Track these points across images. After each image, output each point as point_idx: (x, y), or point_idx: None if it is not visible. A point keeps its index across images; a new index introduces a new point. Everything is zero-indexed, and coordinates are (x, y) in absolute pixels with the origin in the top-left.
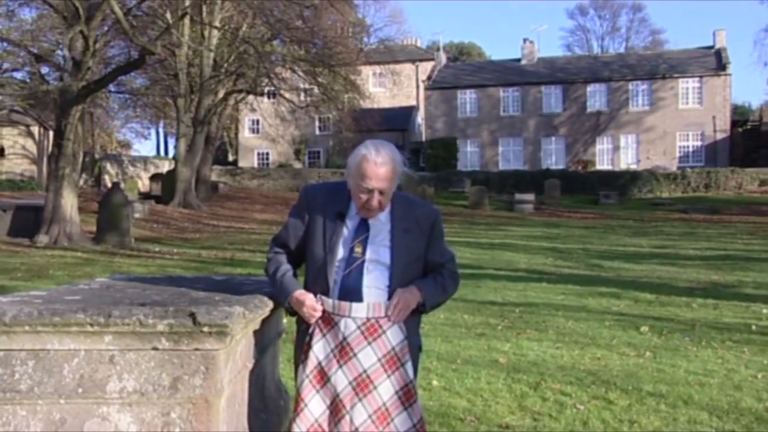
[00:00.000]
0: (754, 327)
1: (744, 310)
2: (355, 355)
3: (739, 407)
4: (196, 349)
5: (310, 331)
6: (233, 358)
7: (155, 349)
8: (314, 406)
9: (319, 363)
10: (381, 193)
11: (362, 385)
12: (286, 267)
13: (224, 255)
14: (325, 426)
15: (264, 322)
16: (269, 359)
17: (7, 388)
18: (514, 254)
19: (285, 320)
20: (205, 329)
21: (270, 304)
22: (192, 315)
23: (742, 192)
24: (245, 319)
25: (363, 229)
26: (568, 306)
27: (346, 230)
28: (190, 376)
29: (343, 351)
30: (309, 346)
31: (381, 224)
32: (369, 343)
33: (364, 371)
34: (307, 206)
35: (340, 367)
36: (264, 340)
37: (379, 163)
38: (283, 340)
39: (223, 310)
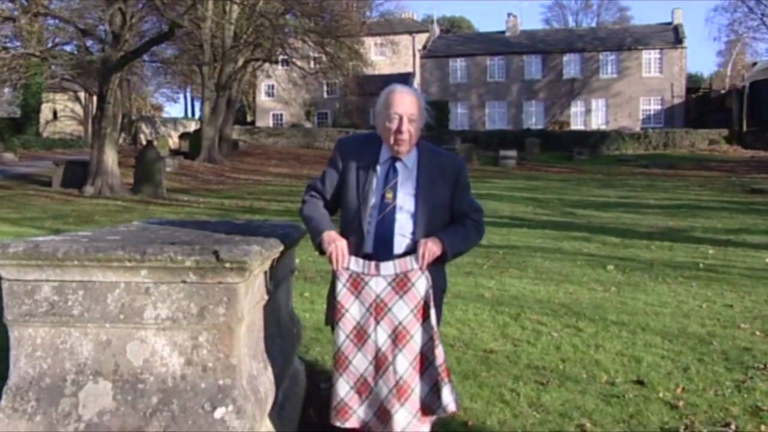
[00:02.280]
0: (701, 265)
1: (693, 251)
2: (390, 309)
3: (686, 332)
4: (220, 283)
5: (338, 291)
6: (252, 291)
7: (184, 282)
8: (358, 363)
9: (358, 323)
10: (409, 121)
11: (400, 336)
12: (322, 210)
13: (244, 203)
14: (370, 380)
15: (278, 260)
16: (283, 292)
17: (63, 312)
18: (498, 203)
19: (297, 260)
20: (227, 265)
21: (283, 245)
22: (215, 252)
23: (694, 150)
24: (262, 256)
25: (393, 174)
26: (545, 248)
27: (377, 178)
28: (215, 306)
29: (378, 308)
30: (342, 307)
31: (408, 171)
32: (400, 297)
33: (400, 323)
34: (341, 157)
35: (378, 323)
36: (278, 275)
37: (404, 93)
38: (295, 276)
39: (242, 249)
